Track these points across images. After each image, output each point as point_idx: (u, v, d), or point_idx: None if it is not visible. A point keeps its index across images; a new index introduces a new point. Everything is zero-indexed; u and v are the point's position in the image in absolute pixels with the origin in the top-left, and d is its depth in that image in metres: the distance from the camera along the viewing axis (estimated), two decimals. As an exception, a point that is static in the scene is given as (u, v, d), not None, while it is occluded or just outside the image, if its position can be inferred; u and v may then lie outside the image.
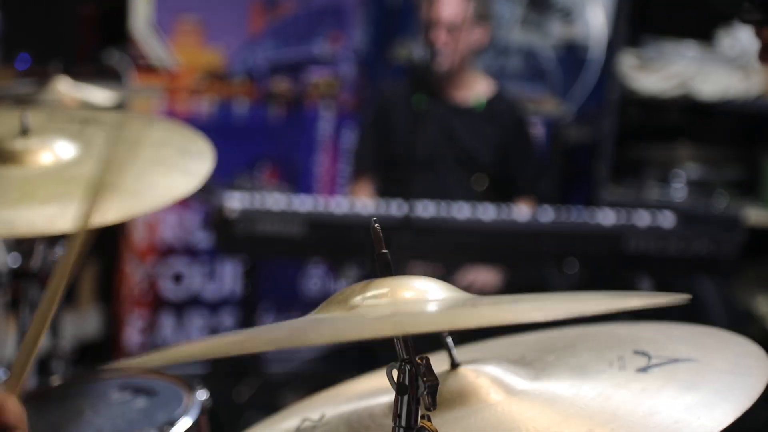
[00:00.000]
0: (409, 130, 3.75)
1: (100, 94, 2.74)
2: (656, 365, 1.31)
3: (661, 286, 4.01)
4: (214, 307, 4.68)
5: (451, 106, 4.12)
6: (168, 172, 1.95)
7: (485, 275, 3.88)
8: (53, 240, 2.44)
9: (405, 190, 3.59)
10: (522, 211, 3.87)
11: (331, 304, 1.24)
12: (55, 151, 1.93)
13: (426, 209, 3.74)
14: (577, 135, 4.80)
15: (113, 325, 4.68)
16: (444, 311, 1.16)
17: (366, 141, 4.19)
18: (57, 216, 1.76)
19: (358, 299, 1.20)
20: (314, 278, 4.75)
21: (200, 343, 1.17)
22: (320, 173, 4.78)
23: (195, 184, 1.94)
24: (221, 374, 4.04)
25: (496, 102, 4.17)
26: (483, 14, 4.08)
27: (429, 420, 1.19)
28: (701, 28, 4.72)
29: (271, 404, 3.72)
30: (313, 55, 4.72)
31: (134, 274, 4.56)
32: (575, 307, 1.13)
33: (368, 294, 1.21)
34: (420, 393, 1.17)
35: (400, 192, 3.74)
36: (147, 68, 4.48)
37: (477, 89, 4.16)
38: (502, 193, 4.13)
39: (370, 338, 1.04)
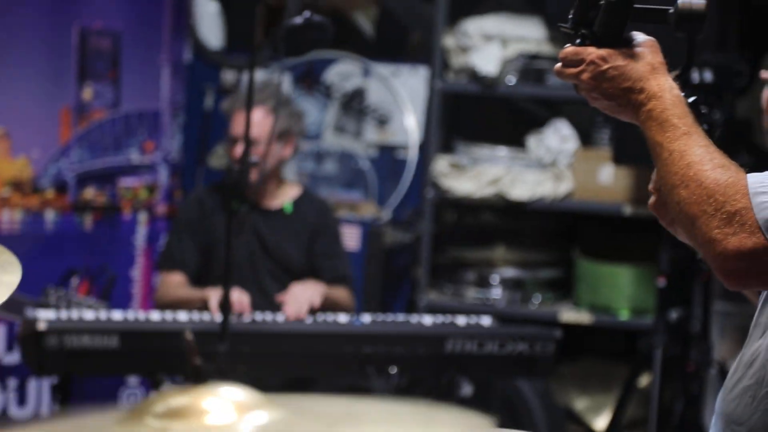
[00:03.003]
0: (224, 236, 3.71)
1: None
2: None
3: (480, 387, 4.04)
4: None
5: (261, 212, 4.12)
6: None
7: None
8: None
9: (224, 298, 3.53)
10: (342, 315, 3.86)
11: (135, 414, 1.18)
12: None
13: (245, 316, 3.69)
14: (394, 238, 4.84)
15: None
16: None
17: (179, 239, 4.13)
18: None
19: (156, 412, 1.14)
20: (131, 391, 4.61)
21: None
22: (137, 281, 4.67)
23: (2, 297, 1.85)
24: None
25: (302, 203, 4.19)
26: (286, 131, 4.10)
27: None
28: (512, 131, 4.85)
29: None
30: (127, 163, 4.64)
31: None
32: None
33: (174, 407, 1.16)
34: None
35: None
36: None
37: (285, 195, 4.18)
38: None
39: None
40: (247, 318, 3.71)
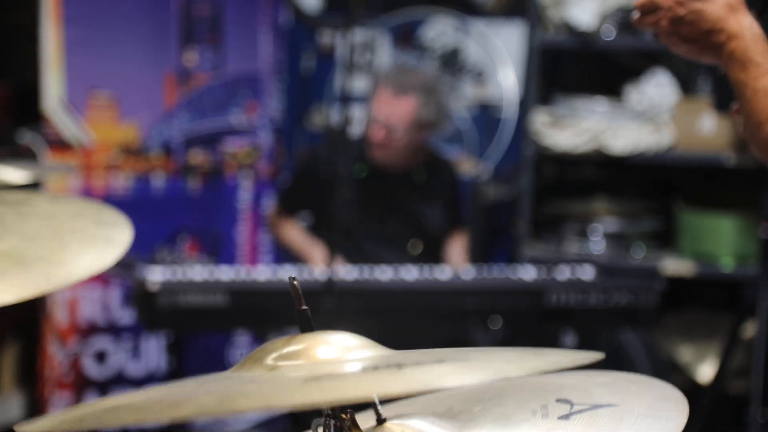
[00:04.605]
0: (334, 194, 3.77)
1: (14, 175, 2.71)
2: (578, 412, 1.32)
3: (584, 339, 4.05)
4: (140, 384, 4.62)
5: (388, 178, 4.16)
6: (86, 245, 1.93)
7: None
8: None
9: (330, 254, 3.61)
10: (445, 270, 3.90)
11: (249, 361, 1.24)
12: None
13: (349, 272, 3.75)
14: (495, 193, 4.86)
15: (37, 408, 4.60)
16: (369, 376, 1.16)
17: (295, 191, 4.23)
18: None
19: (272, 357, 1.20)
20: (241, 347, 4.72)
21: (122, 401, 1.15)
22: (242, 243, 4.77)
23: (116, 254, 1.93)
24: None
25: (433, 168, 4.24)
26: (430, 121, 4.11)
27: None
28: (610, 83, 4.82)
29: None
30: (230, 125, 4.73)
31: (56, 355, 4.49)
32: (496, 369, 1.14)
33: (285, 351, 1.22)
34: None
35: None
36: (61, 146, 4.45)
37: (415, 158, 4.21)
38: (437, 256, 4.19)
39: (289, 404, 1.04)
40: (350, 274, 3.77)
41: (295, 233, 4.18)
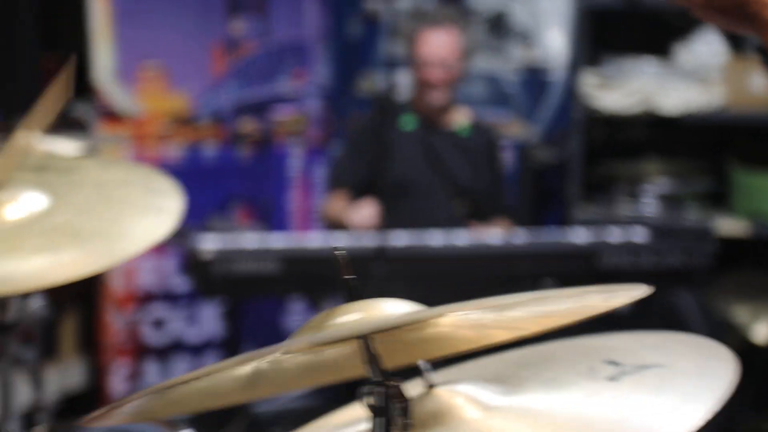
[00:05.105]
0: (385, 156, 3.78)
1: (66, 146, 2.75)
2: (626, 373, 1.33)
3: (637, 301, 4.04)
4: (198, 350, 4.68)
5: (435, 131, 4.17)
6: (139, 215, 1.96)
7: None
8: (29, 291, 2.45)
9: (384, 217, 3.63)
10: (496, 234, 3.90)
11: (304, 330, 1.26)
12: (25, 203, 1.94)
13: (400, 238, 3.76)
14: (545, 156, 4.85)
15: (97, 375, 4.67)
16: (411, 312, 1.18)
17: (346, 159, 4.23)
18: (52, 265, 1.77)
19: (330, 323, 1.22)
20: (295, 314, 4.76)
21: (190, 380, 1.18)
22: (293, 210, 4.80)
23: (171, 224, 1.95)
24: (207, 414, 4.02)
25: (477, 128, 4.24)
26: (470, 48, 4.15)
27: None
28: (659, 43, 4.78)
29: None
30: (278, 93, 4.75)
31: (115, 323, 4.56)
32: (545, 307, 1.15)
33: (340, 319, 1.24)
34: (394, 414, 1.19)
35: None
36: (112, 117, 4.50)
37: (458, 115, 4.23)
38: (481, 216, 4.18)
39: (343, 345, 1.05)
40: (401, 240, 3.77)
41: (339, 207, 4.17)
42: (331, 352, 1.38)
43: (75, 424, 2.08)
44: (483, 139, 4.26)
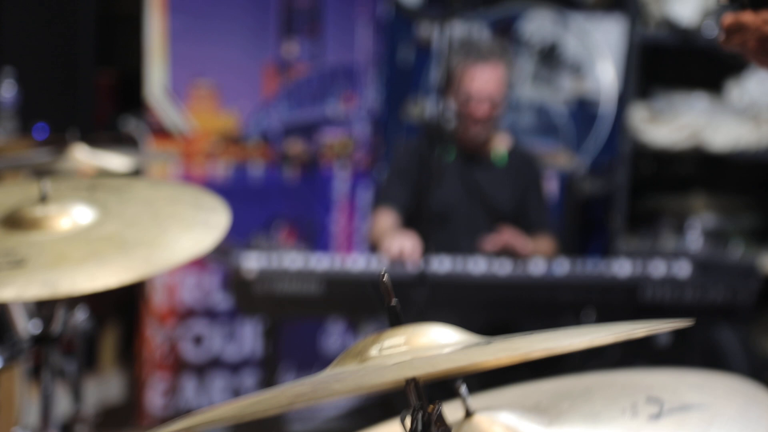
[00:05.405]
0: (429, 184, 3.79)
1: (117, 161, 2.78)
2: (668, 412, 1.32)
3: (678, 335, 4.01)
4: (235, 368, 4.70)
5: (473, 160, 4.17)
6: (185, 230, 1.98)
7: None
8: (73, 304, 2.48)
9: (424, 244, 3.63)
10: (537, 265, 3.89)
11: (347, 357, 1.26)
12: (74, 216, 1.97)
13: (441, 264, 3.76)
14: (591, 187, 4.83)
15: (135, 388, 4.70)
16: (458, 351, 1.18)
17: (392, 182, 4.23)
18: (97, 273, 1.80)
19: (374, 350, 1.22)
20: (334, 335, 4.77)
21: (225, 407, 1.19)
22: (336, 232, 4.81)
23: (213, 239, 1.97)
24: (244, 425, 4.04)
25: (515, 154, 4.23)
26: (513, 81, 4.19)
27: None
28: (710, 79, 4.76)
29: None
30: (327, 115, 4.77)
31: (155, 337, 4.59)
32: (587, 338, 1.15)
33: (384, 345, 1.24)
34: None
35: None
36: (163, 133, 4.54)
37: (496, 144, 4.23)
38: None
39: (389, 386, 1.06)
40: (443, 266, 3.77)
41: (387, 224, 4.15)
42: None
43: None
44: (522, 165, 4.26)
